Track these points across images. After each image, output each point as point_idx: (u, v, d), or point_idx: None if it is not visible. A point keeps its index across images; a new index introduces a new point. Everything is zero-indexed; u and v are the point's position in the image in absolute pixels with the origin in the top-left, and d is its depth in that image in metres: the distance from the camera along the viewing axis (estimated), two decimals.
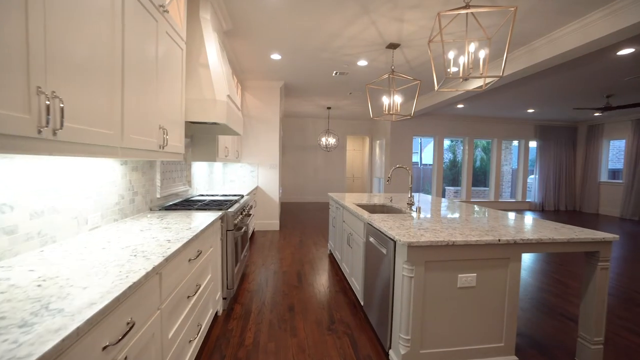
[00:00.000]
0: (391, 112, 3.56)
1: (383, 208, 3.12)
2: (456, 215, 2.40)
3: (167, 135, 1.82)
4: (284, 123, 9.54)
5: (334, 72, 4.70)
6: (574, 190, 9.54)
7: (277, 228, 5.55)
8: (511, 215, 2.41)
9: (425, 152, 16.53)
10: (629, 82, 5.13)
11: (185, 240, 1.42)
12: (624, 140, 8.43)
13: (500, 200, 9.44)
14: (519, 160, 9.61)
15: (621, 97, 6.02)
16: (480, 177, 12.41)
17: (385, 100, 3.64)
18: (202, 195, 3.33)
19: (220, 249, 2.33)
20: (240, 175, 5.42)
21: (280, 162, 6.25)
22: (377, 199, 3.46)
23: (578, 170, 9.51)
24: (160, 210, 2.30)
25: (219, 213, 2.26)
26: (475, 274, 1.66)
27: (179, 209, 2.33)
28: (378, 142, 9.69)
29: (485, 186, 12.00)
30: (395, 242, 1.73)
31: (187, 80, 2.35)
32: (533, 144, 9.59)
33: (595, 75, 4.86)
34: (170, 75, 1.91)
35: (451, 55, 2.17)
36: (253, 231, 5.29)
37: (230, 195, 3.40)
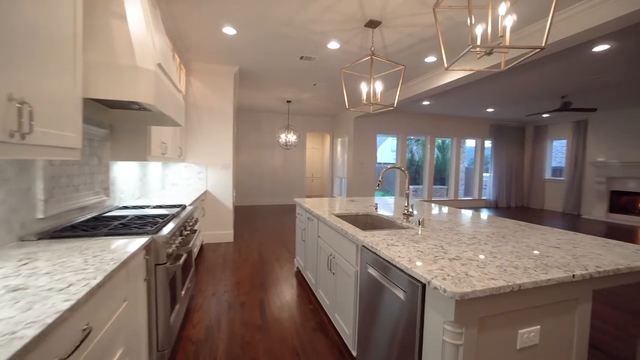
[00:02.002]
0: (371, 102, 3.00)
1: (368, 219, 2.53)
2: (471, 228, 1.89)
3: (30, 116, 1.00)
4: (238, 118, 8.59)
5: (300, 56, 4.02)
6: (522, 187, 10.04)
7: (231, 239, 4.71)
8: (534, 226, 1.97)
9: (379, 151, 16.57)
10: (585, 83, 5.24)
11: (31, 337, 0.65)
12: (565, 141, 9.00)
13: (459, 198, 9.57)
14: (475, 159, 9.83)
15: (574, 97, 6.22)
16: (435, 176, 12.61)
17: (364, 87, 3.07)
18: (127, 207, 2.43)
19: (145, 295, 1.53)
20: (185, 178, 4.48)
21: (233, 162, 5.41)
22: (356, 206, 2.88)
23: (526, 169, 10.01)
24: (40, 239, 1.43)
25: (143, 240, 1.46)
26: (538, 327, 1.13)
27: (75, 236, 1.48)
28: (340, 139, 9.21)
29: (440, 184, 12.25)
30: (424, 286, 1.13)
31: (88, 33, 1.51)
32: (487, 144, 9.87)
33: (558, 75, 4.83)
34: (39, 13, 1.09)
35: (474, 22, 1.64)
36: (201, 245, 4.40)
37: (167, 206, 2.55)
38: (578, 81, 5.16)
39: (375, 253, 1.47)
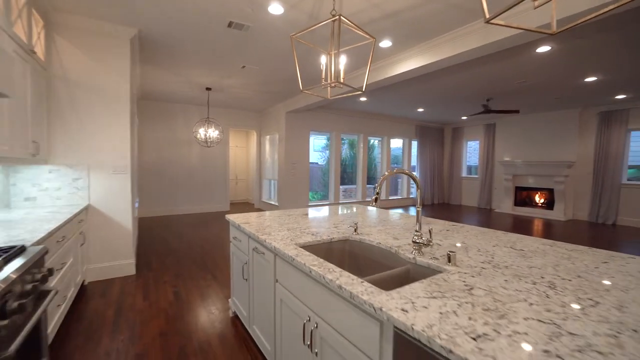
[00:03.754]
0: (333, 82, 2.23)
1: (346, 245, 1.75)
2: (513, 260, 1.28)
3: None
4: (143, 108, 6.86)
5: (229, 21, 3.00)
6: (444, 185, 10.69)
7: (133, 271, 3.38)
8: (561, 244, 1.48)
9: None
10: (511, 87, 5.50)
11: None
12: (478, 141, 9.85)
13: (390, 198, 9.62)
14: (403, 158, 10.03)
15: (496, 101, 6.60)
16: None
17: (324, 61, 2.28)
18: None
19: None
20: (50, 188, 2.99)
21: (134, 163, 4.04)
22: (316, 223, 2.07)
23: (445, 167, 10.68)
24: None
25: None
26: None
27: None
28: (268, 137, 8.26)
29: (367, 184, 12.36)
30: None
31: None
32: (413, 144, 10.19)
33: (488, 76, 4.88)
34: None
35: None
36: (83, 286, 2.99)
37: None
38: (504, 84, 5.36)
39: None
